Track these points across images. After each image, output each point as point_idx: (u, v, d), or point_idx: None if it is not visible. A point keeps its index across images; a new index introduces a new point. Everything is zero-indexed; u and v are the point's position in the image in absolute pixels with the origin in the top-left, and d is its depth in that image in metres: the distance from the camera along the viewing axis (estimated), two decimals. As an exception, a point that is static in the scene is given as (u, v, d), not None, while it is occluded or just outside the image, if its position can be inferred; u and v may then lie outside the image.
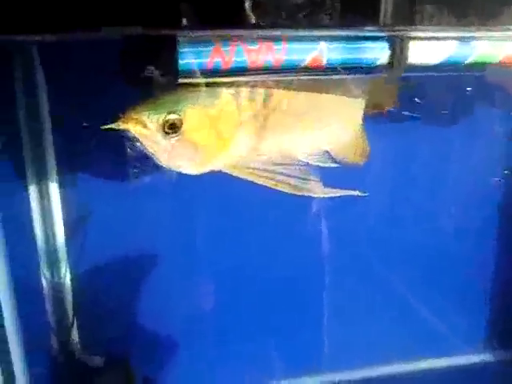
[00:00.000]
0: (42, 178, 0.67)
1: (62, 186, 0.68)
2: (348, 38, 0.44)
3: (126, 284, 0.74)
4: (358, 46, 0.45)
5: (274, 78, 0.48)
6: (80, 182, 0.68)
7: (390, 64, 0.45)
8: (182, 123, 0.47)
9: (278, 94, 0.53)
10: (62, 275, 0.72)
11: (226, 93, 0.50)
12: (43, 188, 0.68)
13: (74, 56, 0.59)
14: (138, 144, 0.48)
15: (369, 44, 0.45)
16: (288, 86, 0.52)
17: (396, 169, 0.80)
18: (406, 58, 0.45)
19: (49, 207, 0.69)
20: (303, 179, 0.53)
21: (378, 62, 0.46)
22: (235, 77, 0.45)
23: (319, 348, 0.83)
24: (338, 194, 0.53)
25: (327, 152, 0.58)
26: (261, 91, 0.51)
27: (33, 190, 0.68)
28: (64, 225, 0.69)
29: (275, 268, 0.78)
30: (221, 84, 0.48)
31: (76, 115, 0.60)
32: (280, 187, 0.52)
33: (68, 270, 0.72)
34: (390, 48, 0.45)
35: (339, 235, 0.78)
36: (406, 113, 0.70)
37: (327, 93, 0.56)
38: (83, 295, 0.72)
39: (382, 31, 0.44)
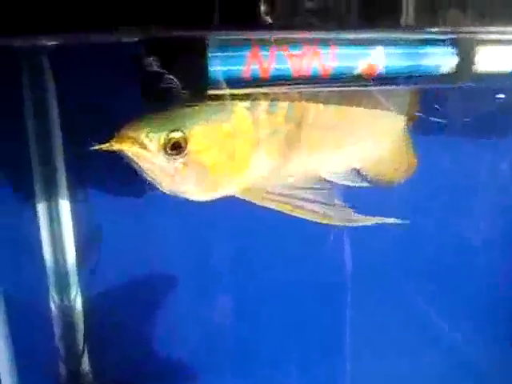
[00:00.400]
0: (51, 196, 0.62)
1: (72, 204, 0.63)
2: (408, 42, 0.37)
3: (140, 307, 0.69)
4: (419, 51, 0.38)
5: (322, 89, 0.42)
6: (92, 200, 0.63)
7: (456, 72, 0.39)
8: (187, 142, 0.42)
9: (304, 107, 0.47)
10: (73, 299, 0.66)
11: (239, 106, 0.44)
12: (53, 207, 0.62)
13: (87, 67, 0.54)
14: (136, 167, 0.42)
15: (431, 49, 0.38)
16: (314, 97, 0.47)
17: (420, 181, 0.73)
18: (474, 65, 0.39)
19: (59, 227, 0.63)
20: (330, 205, 0.47)
21: (441, 70, 0.39)
22: (275, 87, 0.39)
23: (343, 380, 0.78)
24: (370, 223, 0.47)
25: (357, 170, 0.53)
26: (283, 104, 0.46)
27: (42, 209, 0.62)
28: (75, 245, 0.64)
29: (297, 294, 0.73)
30: (236, 97, 0.43)
31: (89, 131, 0.54)
32: (302, 214, 0.46)
33: (79, 293, 0.66)
34: (455, 53, 0.38)
35: (366, 258, 0.72)
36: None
37: (360, 103, 0.51)
38: (95, 320, 0.67)
39: (446, 33, 0.37)
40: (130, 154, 0.41)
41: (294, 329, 0.75)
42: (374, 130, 0.54)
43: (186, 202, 0.46)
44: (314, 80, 0.38)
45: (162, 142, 0.41)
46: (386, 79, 0.39)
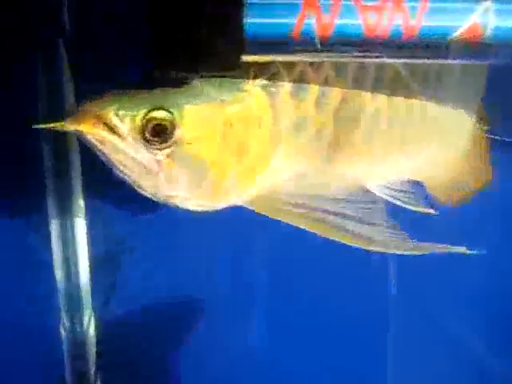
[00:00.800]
0: (65, 210, 0.56)
1: (88, 219, 0.57)
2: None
3: (162, 336, 0.63)
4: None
5: (403, 60, 0.32)
6: (109, 215, 0.58)
7: None
8: (175, 126, 0.32)
9: (344, 94, 0.36)
10: (85, 324, 0.60)
11: (253, 85, 0.34)
12: (67, 221, 0.56)
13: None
14: (104, 158, 0.33)
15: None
16: (362, 80, 0.37)
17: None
18: None
19: (72, 243, 0.57)
20: (378, 226, 0.37)
21: None
22: (340, 52, 0.30)
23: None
24: (434, 251, 0.37)
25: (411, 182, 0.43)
26: (314, 88, 0.35)
27: (54, 223, 0.56)
28: (89, 264, 0.58)
29: (335, 323, 0.67)
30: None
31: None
32: (337, 237, 0.36)
33: (93, 318, 0.60)
34: None
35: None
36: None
37: (431, 95, 0.40)
38: (109, 349, 0.61)
39: None
40: (91, 137, 0.31)
41: (331, 357, 0.68)
42: (443, 132, 0.43)
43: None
44: (392, 45, 0.29)
45: (139, 122, 0.31)
46: (493, 47, 0.29)
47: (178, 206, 0.35)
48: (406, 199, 0.41)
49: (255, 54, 0.31)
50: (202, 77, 0.33)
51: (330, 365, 0.69)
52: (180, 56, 0.32)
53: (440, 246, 0.37)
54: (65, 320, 0.59)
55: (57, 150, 0.53)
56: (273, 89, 0.35)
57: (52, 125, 0.31)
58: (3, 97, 0.49)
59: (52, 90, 0.51)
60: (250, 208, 0.37)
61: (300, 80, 0.35)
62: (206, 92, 0.33)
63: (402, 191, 0.42)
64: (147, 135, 0.32)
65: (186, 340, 0.64)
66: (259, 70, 0.34)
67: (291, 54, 0.31)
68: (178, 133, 0.32)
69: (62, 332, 0.59)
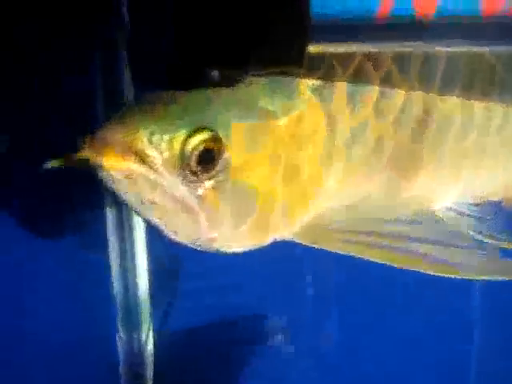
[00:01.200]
0: (123, 222, 0.53)
1: (147, 231, 0.53)
2: None
3: (221, 353, 0.60)
4: None
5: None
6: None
7: None
8: (221, 151, 0.25)
9: (411, 95, 0.30)
10: (143, 340, 0.57)
11: (306, 87, 0.27)
12: (125, 233, 0.53)
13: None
14: (124, 196, 0.25)
15: None
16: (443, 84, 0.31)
17: None
18: None
19: (131, 256, 0.54)
20: (461, 247, 0.31)
21: None
22: (446, 40, 0.23)
23: None
24: None
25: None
26: (372, 91, 0.29)
27: (112, 236, 0.53)
28: (148, 278, 0.55)
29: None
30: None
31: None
32: (407, 264, 0.29)
33: (151, 333, 0.56)
34: None
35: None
36: None
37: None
38: (167, 366, 0.57)
39: None
40: (116, 174, 0.23)
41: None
42: None
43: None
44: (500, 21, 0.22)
45: (178, 149, 0.24)
46: None
47: (217, 251, 0.28)
48: (483, 227, 0.35)
49: (320, 42, 0.25)
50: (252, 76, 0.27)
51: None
52: (224, 49, 0.25)
53: None
54: (121, 334, 0.57)
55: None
56: (326, 92, 0.28)
57: (65, 159, 0.24)
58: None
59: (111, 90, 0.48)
60: (296, 240, 0.30)
61: (357, 76, 0.29)
62: (249, 99, 0.26)
63: (473, 215, 0.35)
64: (190, 165, 0.24)
65: (245, 358, 0.60)
66: (311, 63, 0.27)
67: (373, 42, 0.25)
68: (225, 158, 0.25)
69: (119, 346, 0.57)
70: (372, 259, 0.29)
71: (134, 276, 0.54)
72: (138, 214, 0.26)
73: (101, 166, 0.24)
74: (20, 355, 0.54)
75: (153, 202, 0.25)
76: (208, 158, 0.25)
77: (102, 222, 0.52)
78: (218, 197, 0.25)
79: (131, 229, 0.53)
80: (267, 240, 0.29)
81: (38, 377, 0.55)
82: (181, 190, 0.25)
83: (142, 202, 0.25)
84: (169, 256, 0.55)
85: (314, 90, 0.28)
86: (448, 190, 0.35)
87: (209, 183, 0.25)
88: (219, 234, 0.27)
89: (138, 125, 0.24)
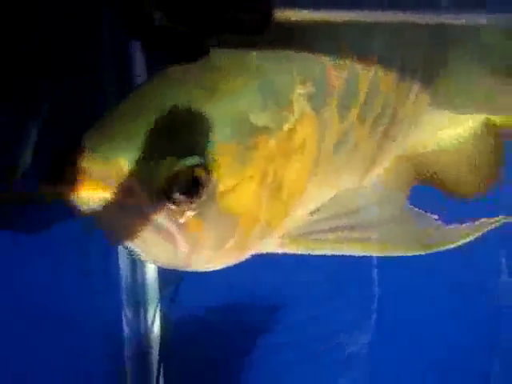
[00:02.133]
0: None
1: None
2: None
3: (229, 335, 0.57)
4: None
5: None
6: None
7: None
8: (208, 176, 0.23)
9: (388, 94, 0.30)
10: (150, 320, 0.55)
11: (300, 98, 0.25)
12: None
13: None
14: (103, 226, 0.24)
15: None
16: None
17: None
18: None
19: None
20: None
21: None
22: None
23: None
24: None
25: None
26: (362, 93, 0.28)
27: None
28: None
29: None
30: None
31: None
32: (369, 250, 0.30)
33: (158, 314, 0.55)
34: None
35: None
36: None
37: None
38: (171, 349, 0.56)
39: None
40: (91, 201, 0.21)
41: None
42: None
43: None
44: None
45: (163, 179, 0.22)
46: None
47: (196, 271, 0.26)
48: None
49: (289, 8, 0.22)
50: (220, 44, 0.24)
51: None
52: (194, 8, 0.22)
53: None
54: (128, 313, 0.55)
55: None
56: (319, 99, 0.26)
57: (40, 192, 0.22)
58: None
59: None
60: (280, 251, 0.29)
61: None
62: (239, 111, 0.24)
63: None
64: (174, 195, 0.22)
65: (252, 341, 0.58)
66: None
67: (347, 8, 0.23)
68: (212, 184, 0.23)
69: (125, 325, 0.55)
70: (351, 253, 0.29)
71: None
72: (115, 240, 0.24)
73: (80, 197, 0.22)
74: (24, 333, 0.52)
75: (131, 232, 0.23)
76: (194, 187, 0.22)
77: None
78: (200, 224, 0.24)
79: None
80: (245, 256, 0.28)
81: (43, 355, 0.53)
82: (162, 218, 0.23)
83: (121, 229, 0.23)
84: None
85: (309, 98, 0.26)
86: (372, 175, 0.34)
87: (193, 212, 0.23)
88: (198, 257, 0.25)
89: (117, 150, 0.22)
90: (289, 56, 0.26)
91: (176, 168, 0.22)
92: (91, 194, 0.21)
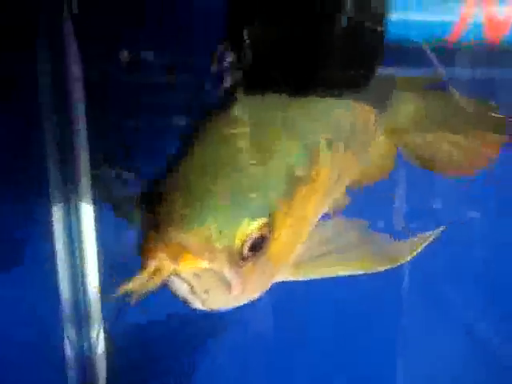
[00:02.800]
0: (71, 215, 0.48)
1: (96, 226, 0.48)
2: None
3: (175, 350, 0.57)
4: None
5: None
6: (120, 226, 0.48)
7: None
8: (270, 233, 0.26)
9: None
10: (94, 336, 0.53)
11: (325, 145, 0.29)
12: (73, 227, 0.48)
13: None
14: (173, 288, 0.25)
15: None
16: None
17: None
18: None
19: (79, 245, 0.49)
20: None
21: None
22: None
23: None
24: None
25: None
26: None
27: (59, 229, 0.48)
28: (99, 278, 0.50)
29: None
30: None
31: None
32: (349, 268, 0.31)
33: (102, 329, 0.52)
34: None
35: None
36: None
37: None
38: (120, 364, 0.53)
39: None
40: (189, 274, 0.23)
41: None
42: None
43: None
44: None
45: (239, 241, 0.24)
46: None
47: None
48: None
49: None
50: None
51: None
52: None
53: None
54: (69, 331, 0.52)
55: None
56: (339, 145, 0.30)
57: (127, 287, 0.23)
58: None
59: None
60: (288, 279, 0.30)
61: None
62: (282, 165, 0.26)
63: None
64: (245, 253, 0.25)
65: (198, 355, 0.58)
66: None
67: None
68: (270, 238, 0.26)
69: (67, 344, 0.52)
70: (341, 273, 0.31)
71: (83, 272, 0.50)
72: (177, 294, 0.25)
73: (174, 270, 0.23)
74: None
75: (199, 288, 0.25)
76: (259, 243, 0.25)
77: (48, 214, 0.48)
78: (254, 270, 0.26)
79: (79, 223, 0.48)
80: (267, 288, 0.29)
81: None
82: (225, 270, 0.25)
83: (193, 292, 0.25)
84: (119, 251, 0.50)
85: (328, 144, 0.29)
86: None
87: (250, 263, 0.25)
88: (244, 296, 0.27)
89: (204, 222, 0.24)
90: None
91: (250, 228, 0.24)
92: (188, 266, 0.23)
